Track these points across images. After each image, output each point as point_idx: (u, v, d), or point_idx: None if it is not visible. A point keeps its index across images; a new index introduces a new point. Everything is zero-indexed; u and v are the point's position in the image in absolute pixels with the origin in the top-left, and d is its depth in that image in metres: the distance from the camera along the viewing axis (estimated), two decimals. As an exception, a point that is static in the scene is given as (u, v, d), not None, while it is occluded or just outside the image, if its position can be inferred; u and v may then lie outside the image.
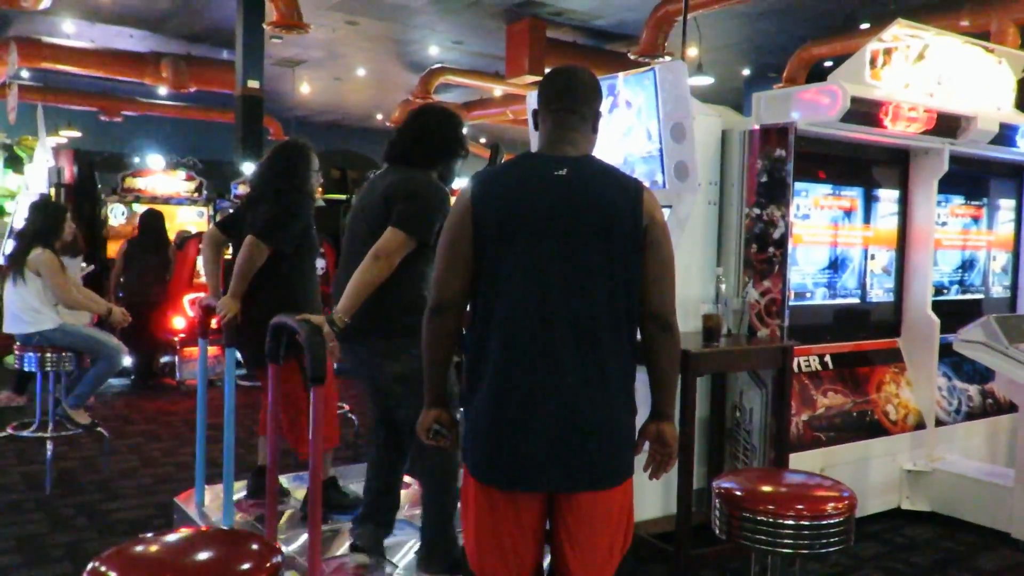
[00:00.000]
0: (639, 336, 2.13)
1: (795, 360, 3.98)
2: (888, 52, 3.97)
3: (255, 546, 1.86)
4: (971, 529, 4.09)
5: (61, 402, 4.64)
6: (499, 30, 12.31)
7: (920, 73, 4.09)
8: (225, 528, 3.48)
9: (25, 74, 14.21)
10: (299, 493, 3.98)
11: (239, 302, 3.67)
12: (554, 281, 2.03)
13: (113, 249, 7.48)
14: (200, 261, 6.87)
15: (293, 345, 2.96)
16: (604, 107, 4.00)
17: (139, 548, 1.81)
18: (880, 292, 4.47)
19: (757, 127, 3.88)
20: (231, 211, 4.07)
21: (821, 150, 4.06)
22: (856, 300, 4.39)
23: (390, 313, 2.97)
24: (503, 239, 2.06)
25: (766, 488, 2.41)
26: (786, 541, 2.27)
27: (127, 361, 7.05)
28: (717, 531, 2.40)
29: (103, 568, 1.70)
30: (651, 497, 3.77)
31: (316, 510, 2.84)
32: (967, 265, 4.88)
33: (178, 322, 7.04)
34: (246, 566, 1.76)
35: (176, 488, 4.34)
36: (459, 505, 2.41)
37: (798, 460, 3.79)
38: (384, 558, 3.27)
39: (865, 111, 3.76)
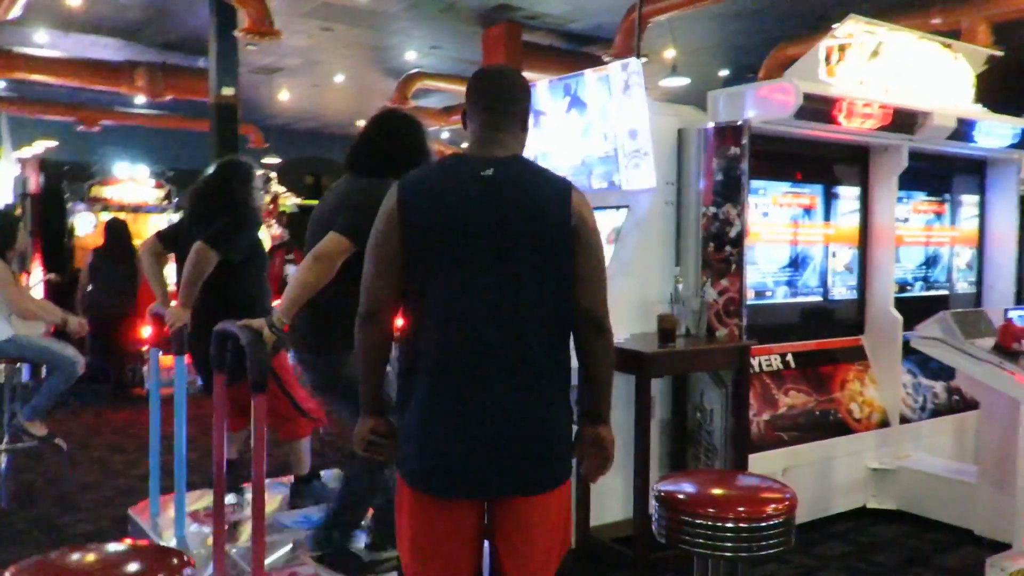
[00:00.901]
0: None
1: (756, 360, 3.96)
2: (842, 48, 3.95)
3: (170, 560, 1.81)
4: (937, 527, 4.06)
5: (16, 414, 4.56)
6: (475, 35, 12.27)
7: (875, 69, 4.07)
8: (170, 542, 3.44)
9: (1, 84, 14.11)
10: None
11: (188, 312, 3.62)
12: (483, 284, 1.98)
13: (81, 259, 7.39)
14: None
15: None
16: (561, 108, 3.98)
17: (46, 562, 1.76)
18: (843, 290, 4.45)
19: (712, 125, 3.85)
20: (172, 225, 4.09)
21: (779, 148, 4.04)
22: (818, 298, 4.37)
23: (321, 326, 2.97)
24: (430, 242, 2.01)
25: (706, 491, 2.37)
26: (726, 544, 2.23)
27: (96, 371, 7.01)
28: (657, 536, 2.35)
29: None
30: (612, 501, 3.73)
31: (260, 519, 2.79)
32: (931, 262, 4.87)
33: (146, 332, 6.94)
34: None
35: (134, 501, 4.27)
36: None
37: (760, 460, 3.76)
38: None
39: (819, 108, 3.74)
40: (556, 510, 2.09)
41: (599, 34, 12.43)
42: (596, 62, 11.98)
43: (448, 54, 13.81)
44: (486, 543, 2.09)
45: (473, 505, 2.03)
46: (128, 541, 1.92)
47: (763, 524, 2.22)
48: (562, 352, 2.06)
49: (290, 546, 3.42)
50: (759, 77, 12.39)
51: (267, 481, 4.04)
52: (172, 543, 3.50)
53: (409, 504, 2.08)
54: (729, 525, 2.21)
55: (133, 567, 1.78)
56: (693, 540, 2.25)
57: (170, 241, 3.93)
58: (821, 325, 4.36)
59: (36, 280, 7.35)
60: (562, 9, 11.51)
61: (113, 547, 1.91)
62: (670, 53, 11.34)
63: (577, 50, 13.08)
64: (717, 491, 2.38)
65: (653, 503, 2.36)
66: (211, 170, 4.00)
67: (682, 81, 11.24)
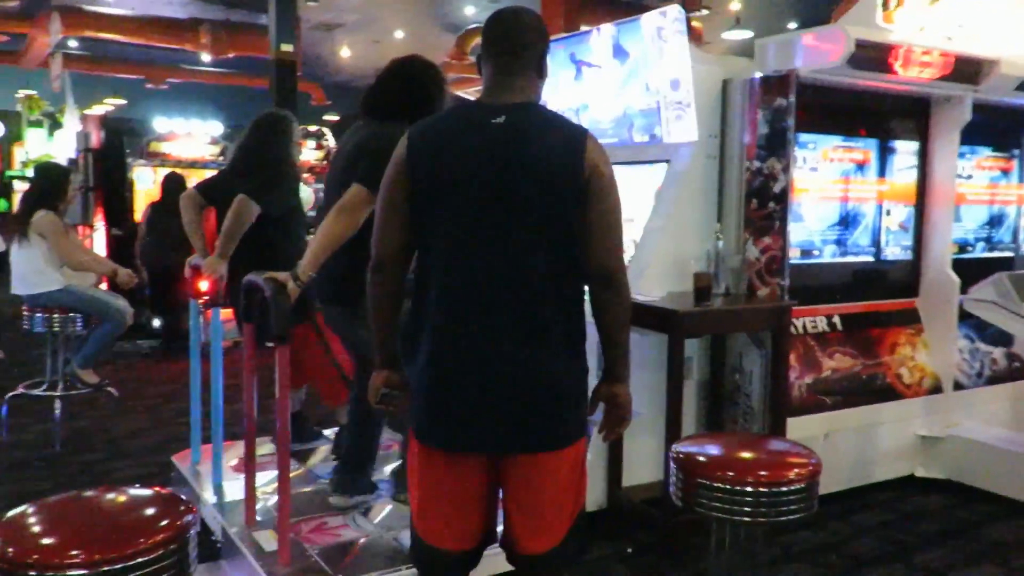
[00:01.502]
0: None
1: (800, 321, 3.82)
2: (902, -8, 3.72)
3: (173, 506, 1.82)
4: (988, 498, 3.89)
5: (70, 362, 4.72)
6: (534, -14, 12.04)
7: (938, 15, 3.82)
8: (206, 495, 3.51)
9: (72, 43, 14.44)
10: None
11: (226, 263, 3.66)
12: (489, 235, 1.93)
13: (140, 213, 7.56)
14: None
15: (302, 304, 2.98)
16: (604, 57, 3.85)
17: (49, 506, 1.80)
18: (896, 250, 4.24)
19: (758, 75, 3.68)
20: (213, 177, 4.09)
21: (831, 99, 3.84)
22: (870, 258, 4.17)
23: (350, 279, 2.93)
24: (437, 191, 1.96)
25: (724, 453, 2.29)
26: (744, 509, 2.15)
27: (154, 323, 7.22)
28: (674, 499, 2.29)
29: (10, 522, 1.69)
30: (644, 461, 3.67)
31: (284, 468, 2.83)
32: (995, 221, 4.60)
33: (202, 285, 7.09)
34: (159, 523, 1.72)
35: (181, 448, 4.38)
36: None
37: (800, 424, 3.65)
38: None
39: (874, 56, 3.53)
40: (566, 469, 2.04)
41: (661, -15, 12.06)
42: (657, 15, 11.65)
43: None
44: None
45: (480, 459, 2.01)
46: (136, 488, 1.94)
47: (783, 489, 2.14)
48: (574, 306, 2.00)
49: (323, 497, 3.46)
50: (829, 29, 11.88)
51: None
52: (209, 490, 3.58)
53: (418, 457, 2.07)
54: (748, 489, 2.14)
55: (135, 511, 1.81)
56: (710, 504, 2.18)
57: (208, 193, 3.96)
58: (872, 286, 4.18)
59: (99, 232, 7.56)
60: (623, -41, 11.19)
61: (124, 490, 1.93)
62: (735, 5, 10.95)
63: (639, 2, 12.72)
64: (736, 454, 2.30)
65: (672, 465, 2.29)
66: (251, 124, 4.00)
67: (746, 34, 10.87)
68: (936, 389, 4.15)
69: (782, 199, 3.60)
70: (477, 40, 14.55)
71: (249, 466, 3.19)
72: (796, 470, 2.18)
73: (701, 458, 2.26)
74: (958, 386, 4.22)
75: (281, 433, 2.81)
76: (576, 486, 2.10)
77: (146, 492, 1.91)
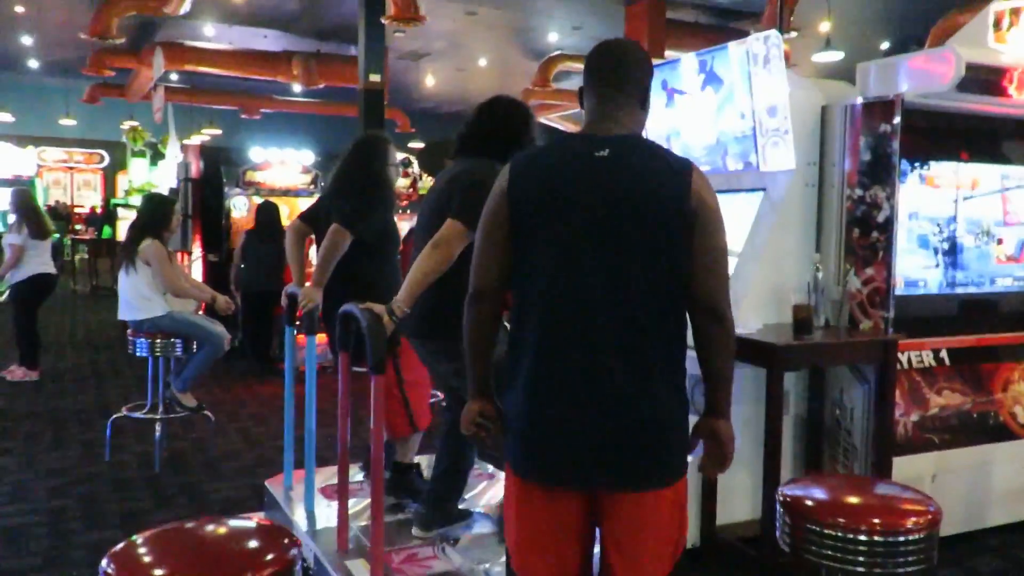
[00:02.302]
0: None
1: (904, 355, 3.65)
2: (1016, 12, 3.55)
3: (279, 539, 1.84)
4: (1113, 547, 3.63)
5: (170, 386, 4.88)
6: (618, 13, 12.05)
7: (1055, 34, 3.63)
8: (298, 520, 3.55)
9: (173, 76, 15.14)
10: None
11: (321, 292, 3.72)
12: (593, 267, 1.90)
13: (235, 240, 7.81)
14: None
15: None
16: (696, 84, 3.81)
17: (161, 535, 1.83)
18: (1008, 280, 4.02)
19: (860, 101, 3.56)
20: (313, 204, 4.15)
21: (938, 123, 3.68)
22: (980, 289, 3.97)
23: (439, 314, 2.96)
24: (540, 223, 1.94)
25: (837, 498, 2.18)
26: (859, 559, 2.05)
27: (243, 346, 7.41)
28: (781, 543, 2.19)
29: (125, 552, 1.73)
30: (740, 499, 3.55)
31: (378, 498, 2.84)
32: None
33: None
34: (266, 557, 1.74)
35: (274, 471, 4.47)
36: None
37: (905, 464, 3.48)
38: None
39: (985, 79, 3.38)
40: (667, 509, 1.97)
41: (746, 8, 11.92)
42: (744, 37, 11.50)
43: (590, 34, 13.64)
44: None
45: (579, 496, 1.96)
46: (242, 518, 1.97)
47: (901, 539, 2.03)
48: (677, 340, 1.94)
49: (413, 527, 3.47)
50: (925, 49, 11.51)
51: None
52: (301, 515, 3.62)
53: (514, 491, 2.04)
54: (862, 538, 2.03)
55: (242, 543, 1.83)
56: (820, 551, 2.08)
57: (311, 221, 4.03)
58: (982, 318, 3.96)
59: (196, 258, 7.84)
60: (708, -17, 11.11)
61: (228, 522, 1.96)
62: (824, 26, 10.71)
63: (723, 25, 12.61)
64: (850, 499, 2.19)
65: (779, 508, 2.20)
66: (349, 147, 4.05)
67: (836, 55, 10.60)
68: (1054, 429, 3.90)
69: (886, 228, 3.46)
70: (561, 67, 14.68)
71: (343, 493, 3.21)
72: (915, 518, 2.06)
73: (810, 502, 2.16)
74: (1078, 426, 3.96)
75: (375, 462, 2.83)
76: (678, 526, 2.03)
77: (251, 524, 1.94)
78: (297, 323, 3.80)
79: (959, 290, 3.90)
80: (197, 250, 8.01)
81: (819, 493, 2.20)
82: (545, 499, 1.97)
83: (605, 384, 1.88)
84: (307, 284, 3.85)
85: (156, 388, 4.92)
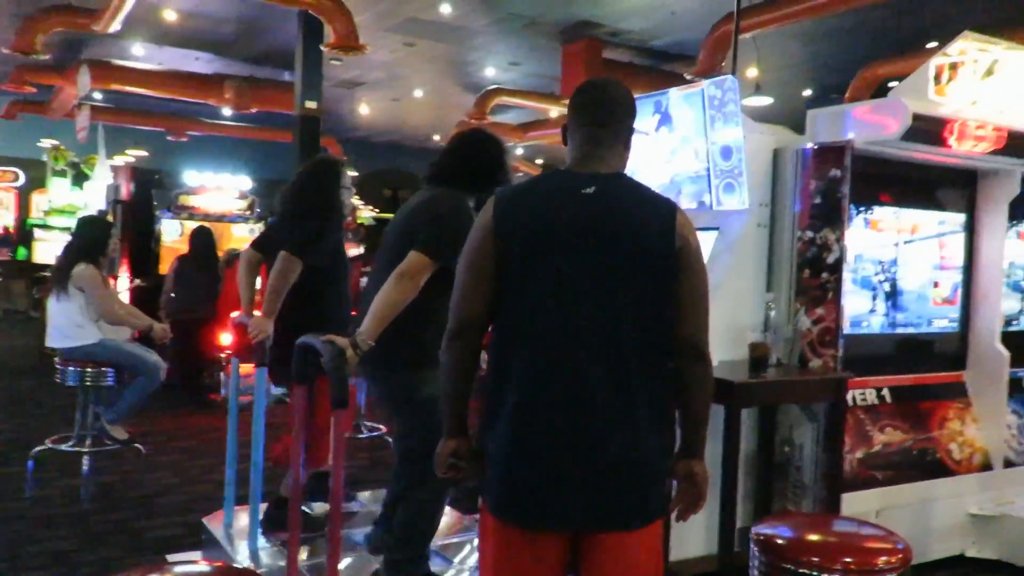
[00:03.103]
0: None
1: (850, 393, 3.75)
2: (954, 67, 3.74)
3: (250, 582, 1.75)
4: (1044, 581, 3.78)
5: (100, 417, 4.65)
6: (555, 51, 12.24)
7: (989, 89, 3.83)
8: (240, 560, 3.41)
9: (98, 95, 14.66)
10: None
11: (272, 322, 3.61)
12: (581, 305, 1.89)
13: (166, 265, 7.57)
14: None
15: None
16: (651, 125, 3.86)
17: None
18: (944, 322, 4.20)
19: (811, 146, 3.68)
20: (264, 230, 4.03)
21: (878, 170, 3.84)
22: (917, 330, 4.13)
23: (399, 343, 2.89)
24: (527, 259, 1.93)
25: (810, 536, 2.21)
26: (831, 595, 2.07)
27: (174, 376, 7.13)
28: (755, 581, 2.21)
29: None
30: (694, 535, 3.57)
31: (336, 535, 2.74)
32: (1041, 294, 4.56)
33: (226, 339, 7.06)
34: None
35: (210, 507, 4.29)
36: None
37: (852, 500, 3.56)
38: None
39: (928, 129, 3.54)
40: (647, 548, 1.97)
41: (681, 51, 12.26)
42: (677, 79, 11.81)
43: (527, 70, 13.82)
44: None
45: (560, 538, 1.93)
46: (204, 562, 1.87)
47: (873, 576, 2.06)
48: (661, 380, 1.95)
49: (366, 565, 3.37)
50: (846, 97, 12.03)
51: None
52: (244, 555, 3.48)
53: (492, 532, 1.99)
54: None
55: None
56: (794, 589, 2.10)
57: (263, 248, 3.92)
58: (920, 358, 4.12)
59: (124, 285, 7.55)
60: (644, 26, 11.40)
61: (189, 568, 1.86)
62: (752, 72, 11.10)
63: (658, 67, 12.93)
64: (824, 537, 2.22)
65: (753, 547, 2.21)
66: (301, 169, 3.98)
67: (765, 100, 10.99)
68: (986, 466, 4.07)
69: (836, 269, 3.58)
70: (497, 100, 14.75)
71: (294, 533, 3.10)
72: (886, 556, 2.10)
73: (782, 541, 2.18)
74: (1008, 463, 4.13)
75: (335, 499, 2.73)
76: (655, 566, 2.02)
77: (208, 568, 1.84)
78: (248, 354, 3.68)
79: (899, 330, 4.05)
80: (125, 276, 7.71)
81: (793, 532, 2.23)
82: (526, 542, 1.94)
83: (593, 424, 1.87)
84: (256, 313, 3.74)
85: (84, 419, 4.68)
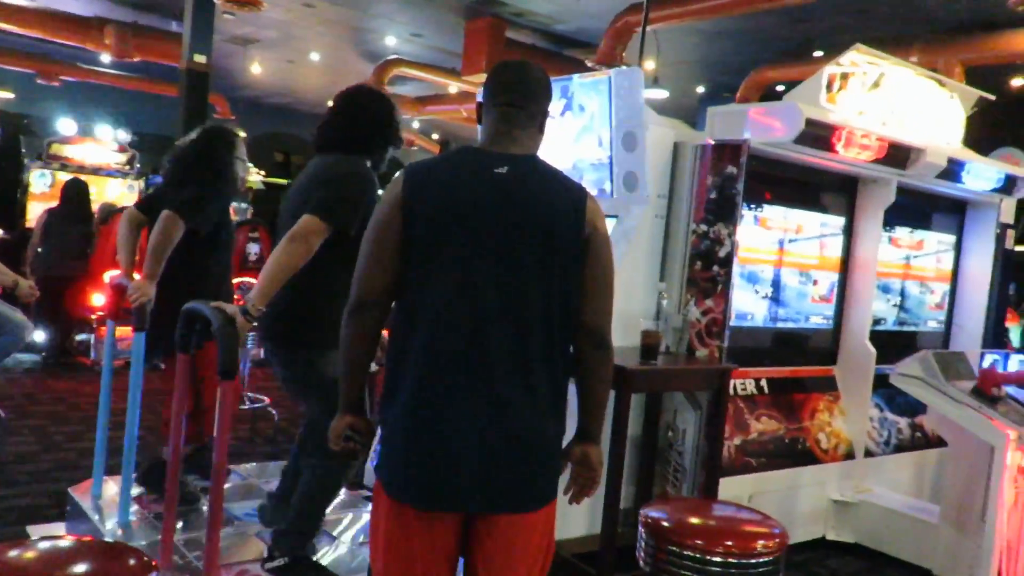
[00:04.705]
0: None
1: (732, 383, 3.90)
2: (845, 77, 3.92)
3: (129, 561, 1.66)
4: (895, 564, 4.06)
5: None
6: (458, 26, 12.12)
7: (875, 101, 4.05)
8: (110, 534, 3.25)
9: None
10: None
11: (154, 285, 3.44)
12: (485, 284, 1.87)
13: (33, 217, 7.07)
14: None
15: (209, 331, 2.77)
16: (556, 110, 3.85)
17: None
18: (819, 319, 4.43)
19: (711, 142, 3.79)
20: (150, 192, 3.84)
21: (769, 171, 3.99)
22: (795, 325, 4.34)
23: (300, 321, 2.84)
24: (434, 235, 1.90)
25: (695, 520, 2.29)
26: (712, 578, 2.15)
27: (39, 336, 6.71)
28: (642, 563, 2.27)
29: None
30: (576, 515, 3.63)
31: (217, 509, 2.64)
32: (904, 297, 4.88)
33: (97, 299, 6.68)
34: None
35: (75, 477, 4.07)
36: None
37: (728, 484, 3.70)
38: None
39: (819, 134, 3.70)
40: (541, 530, 1.99)
41: (582, 38, 12.38)
42: (578, 65, 11.92)
43: (428, 43, 13.63)
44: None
45: (455, 519, 1.92)
46: (77, 537, 1.76)
47: (753, 560, 2.15)
48: (560, 364, 1.96)
49: (244, 540, 3.27)
50: (737, 98, 12.46)
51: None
52: (114, 528, 3.31)
53: (386, 512, 1.96)
54: (718, 559, 2.14)
55: (91, 567, 1.63)
56: (678, 572, 2.16)
57: (148, 210, 3.73)
58: (796, 352, 4.34)
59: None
60: (549, 9, 11.43)
61: (64, 543, 1.75)
62: (650, 65, 11.33)
63: (559, 52, 13.00)
64: (708, 522, 2.30)
65: (641, 530, 2.27)
66: (194, 135, 3.81)
67: (662, 93, 11.23)
68: (849, 455, 4.32)
69: (727, 263, 3.70)
70: (396, 71, 14.49)
71: (170, 506, 2.96)
72: (764, 541, 2.20)
73: (669, 523, 2.25)
74: (868, 453, 4.41)
75: (218, 474, 2.63)
76: (547, 548, 2.04)
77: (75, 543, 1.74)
78: (127, 317, 3.49)
79: (780, 325, 4.24)
80: (-14, 226, 7.17)
81: (679, 515, 2.30)
82: (420, 522, 1.91)
83: (493, 405, 1.86)
84: (137, 276, 3.55)
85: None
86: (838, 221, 4.42)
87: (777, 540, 2.21)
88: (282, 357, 2.97)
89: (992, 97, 4.75)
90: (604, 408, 2.07)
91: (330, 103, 3.17)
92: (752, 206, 4.00)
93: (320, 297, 2.78)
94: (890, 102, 4.12)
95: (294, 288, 2.76)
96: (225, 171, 3.67)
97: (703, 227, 3.78)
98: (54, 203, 6.91)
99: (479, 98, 2.13)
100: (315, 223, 2.71)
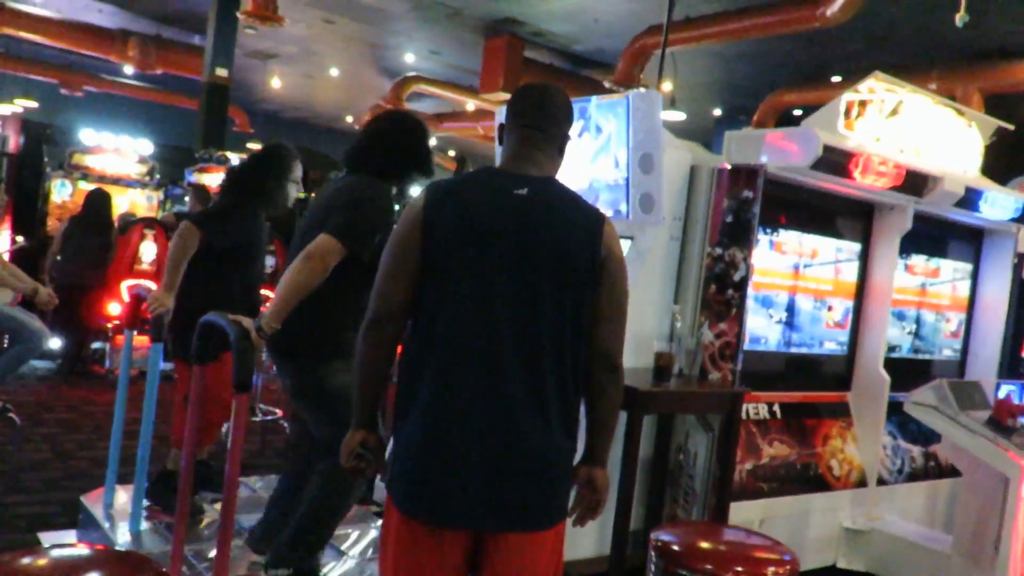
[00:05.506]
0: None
1: (745, 407, 3.89)
2: (863, 104, 3.93)
3: (143, 571, 1.67)
4: (905, 593, 4.02)
5: (-28, 383, 4.36)
6: (477, 44, 12.24)
7: (892, 128, 4.05)
8: (121, 543, 3.27)
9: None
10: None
11: (172, 296, 3.47)
12: (504, 303, 1.89)
13: (52, 226, 7.15)
14: (143, 248, 6.65)
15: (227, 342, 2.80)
16: (574, 131, 3.88)
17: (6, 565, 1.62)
18: (833, 344, 4.41)
19: (727, 165, 3.80)
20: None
21: (785, 195, 3.99)
22: (809, 350, 4.32)
23: (309, 333, 2.84)
24: (453, 253, 1.92)
25: (705, 544, 2.28)
26: (722, 602, 2.15)
27: (54, 344, 6.77)
28: (650, 585, 2.26)
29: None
30: (585, 536, 3.62)
31: (228, 523, 2.65)
32: (918, 324, 4.86)
33: (113, 308, 6.74)
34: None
35: (87, 486, 4.09)
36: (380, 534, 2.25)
37: (739, 509, 3.69)
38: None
39: (836, 160, 3.70)
40: (551, 549, 1.99)
41: (600, 58, 12.46)
42: (595, 85, 11.99)
43: (447, 60, 13.76)
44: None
45: (465, 535, 1.93)
46: (90, 545, 1.77)
47: (763, 586, 2.14)
48: (572, 385, 1.97)
49: (250, 552, 3.27)
50: (753, 121, 12.50)
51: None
52: (126, 536, 3.33)
53: (396, 527, 1.97)
54: (727, 584, 2.13)
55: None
56: (688, 595, 2.16)
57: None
58: (809, 377, 4.32)
59: (4, 246, 7.10)
60: (567, 29, 11.52)
61: (79, 552, 1.77)
62: (667, 86, 11.38)
63: (576, 72, 13.10)
64: (718, 546, 2.29)
65: (651, 552, 2.27)
66: (257, 151, 3.84)
67: (678, 115, 11.29)
68: (862, 482, 4.29)
69: (741, 287, 3.70)
70: (415, 88, 14.62)
71: (182, 516, 2.98)
72: (774, 567, 2.19)
73: (679, 547, 2.24)
74: (881, 481, 4.37)
75: (230, 484, 2.64)
76: (556, 568, 2.04)
77: (88, 552, 1.75)
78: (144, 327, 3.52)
79: (793, 349, 4.23)
80: (6, 233, 7.25)
81: (690, 539, 2.29)
82: (430, 538, 1.92)
83: (508, 424, 1.87)
84: (154, 288, 3.59)
85: (-47, 385, 4.39)
86: (854, 247, 4.41)
87: (788, 567, 2.20)
88: (288, 368, 2.99)
89: (1010, 127, 4.74)
90: (612, 432, 2.08)
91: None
92: (768, 230, 4.00)
93: (325, 310, 2.79)
94: (908, 130, 4.13)
95: (303, 304, 2.77)
96: (262, 189, 3.64)
97: (718, 250, 3.78)
98: (73, 212, 6.99)
99: (501, 119, 2.15)
100: (332, 243, 2.72)
